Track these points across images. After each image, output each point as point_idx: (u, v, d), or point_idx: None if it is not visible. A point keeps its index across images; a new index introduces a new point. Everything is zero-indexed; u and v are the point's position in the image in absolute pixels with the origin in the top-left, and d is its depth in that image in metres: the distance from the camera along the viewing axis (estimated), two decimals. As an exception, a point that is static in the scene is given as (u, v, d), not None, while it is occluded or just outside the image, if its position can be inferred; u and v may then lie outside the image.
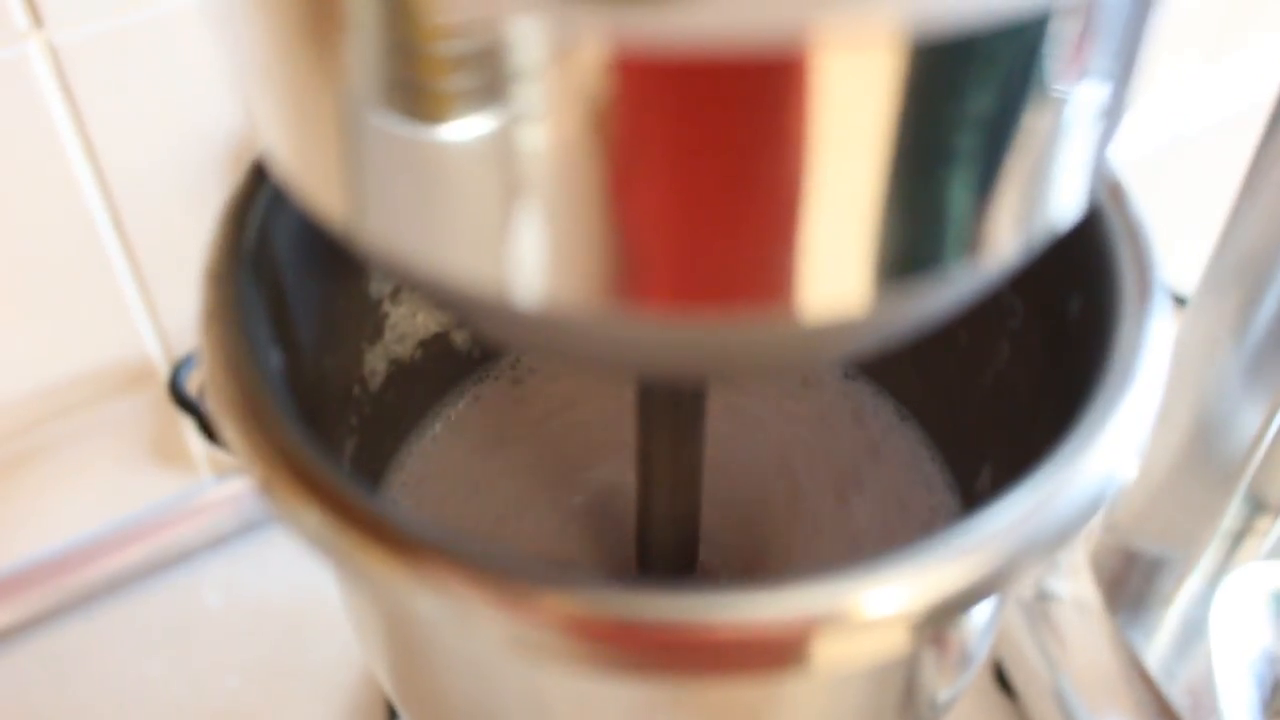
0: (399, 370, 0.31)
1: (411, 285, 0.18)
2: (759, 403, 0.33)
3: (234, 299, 0.22)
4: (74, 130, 0.38)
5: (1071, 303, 0.23)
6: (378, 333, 0.30)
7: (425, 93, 0.14)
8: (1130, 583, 0.42)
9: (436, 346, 0.32)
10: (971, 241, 0.15)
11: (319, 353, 0.27)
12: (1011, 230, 0.15)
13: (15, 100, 0.37)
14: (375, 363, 0.30)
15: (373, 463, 0.31)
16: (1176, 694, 0.40)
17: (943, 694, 0.25)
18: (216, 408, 0.21)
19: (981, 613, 0.24)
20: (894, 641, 0.18)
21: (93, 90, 0.38)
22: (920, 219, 0.15)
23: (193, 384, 0.44)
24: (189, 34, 0.38)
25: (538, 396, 0.33)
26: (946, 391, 0.30)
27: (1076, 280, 0.23)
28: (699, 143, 0.14)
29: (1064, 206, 0.16)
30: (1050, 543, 0.19)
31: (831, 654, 0.18)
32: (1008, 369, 0.27)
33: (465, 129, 0.14)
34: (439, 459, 0.32)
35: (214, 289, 0.22)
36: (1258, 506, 0.40)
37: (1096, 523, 0.44)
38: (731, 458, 0.32)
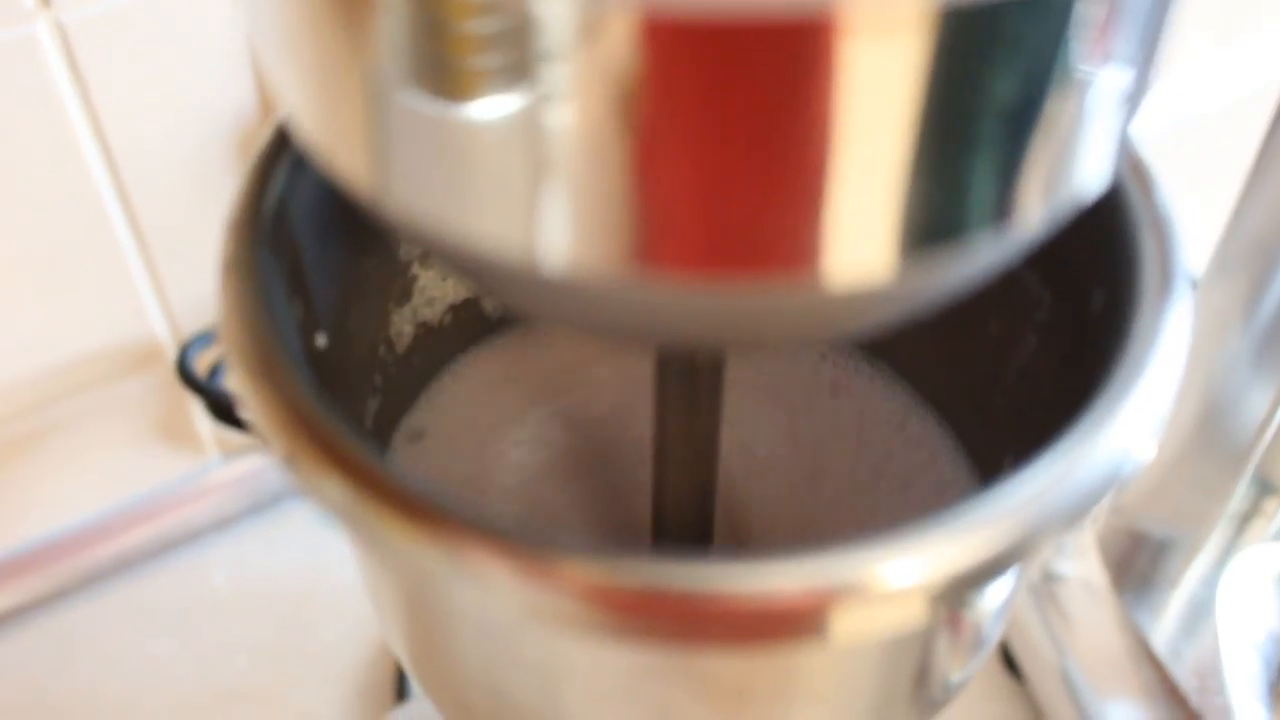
0: (427, 333, 0.31)
1: (436, 252, 0.18)
2: (780, 381, 0.33)
3: (254, 251, 0.22)
4: (82, 110, 0.38)
5: (1095, 295, 0.24)
6: (406, 295, 0.30)
7: (453, 67, 0.14)
8: (1137, 564, 0.42)
9: (466, 312, 0.32)
10: (997, 210, 0.15)
11: (343, 310, 0.27)
12: (1037, 200, 0.15)
13: (23, 80, 0.37)
14: (402, 324, 0.30)
15: (395, 423, 0.31)
16: (1183, 675, 0.40)
17: (955, 676, 0.25)
18: (230, 357, 0.21)
19: (997, 594, 0.24)
20: (912, 614, 0.18)
21: (100, 70, 0.38)
22: (946, 186, 0.15)
23: (201, 364, 0.44)
24: (196, 12, 0.38)
25: (560, 364, 0.33)
26: (972, 381, 0.30)
27: (1101, 272, 0.23)
28: (725, 109, 0.14)
29: (1089, 177, 0.16)
30: (1066, 518, 0.19)
31: (849, 625, 0.18)
32: (1034, 360, 0.27)
33: (494, 103, 0.14)
34: (458, 424, 0.32)
35: (234, 240, 0.22)
36: (1265, 488, 0.40)
37: (1104, 504, 0.44)
38: (750, 433, 0.32)
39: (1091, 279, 0.24)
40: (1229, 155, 0.43)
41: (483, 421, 0.32)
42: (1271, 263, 0.34)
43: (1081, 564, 0.43)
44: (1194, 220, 0.43)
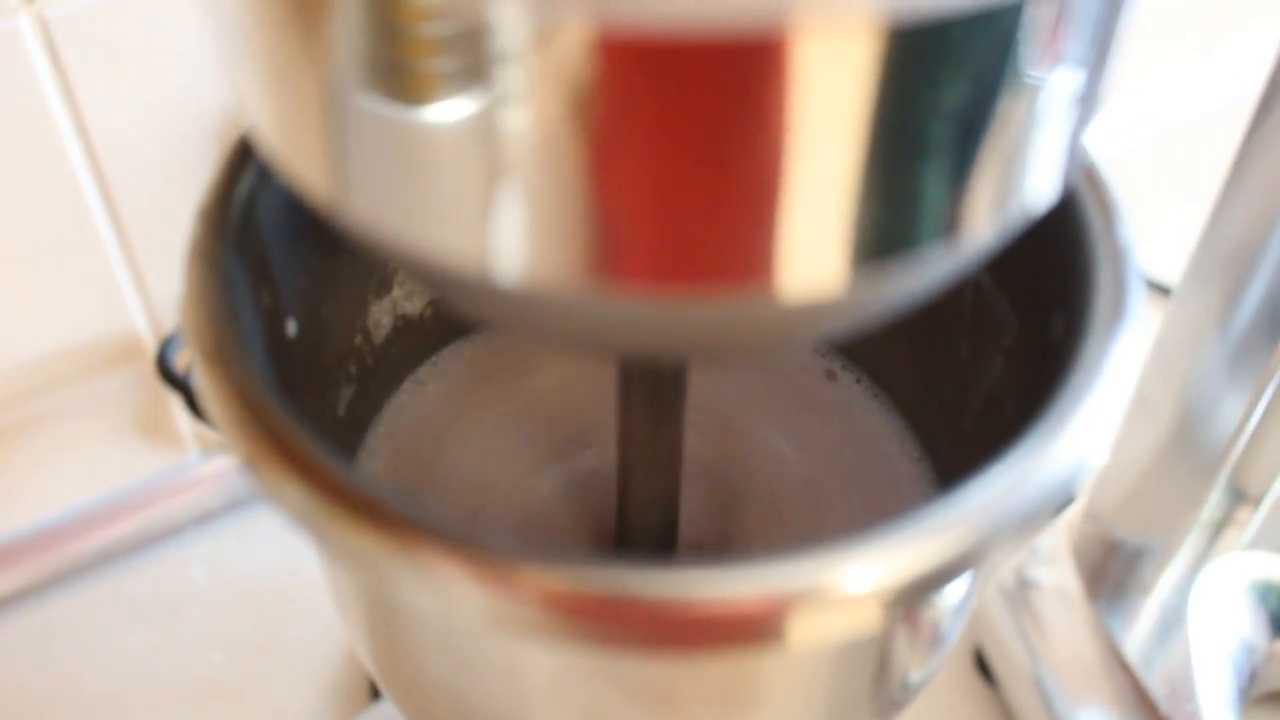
0: (407, 326, 0.31)
1: (395, 262, 0.18)
2: (743, 388, 0.33)
3: (221, 238, 0.22)
4: (64, 105, 0.38)
5: (1056, 320, 0.24)
6: (385, 287, 0.30)
7: (408, 73, 0.14)
8: (1111, 572, 0.43)
9: (448, 306, 0.32)
10: (947, 224, 0.15)
11: (316, 299, 0.27)
12: (986, 213, 0.16)
13: (6, 74, 0.37)
14: (380, 315, 0.30)
15: (368, 414, 0.31)
16: (1155, 682, 0.40)
17: (915, 675, 0.25)
18: (188, 342, 0.21)
19: (953, 594, 0.24)
20: (867, 618, 0.18)
21: (83, 64, 0.38)
22: (895, 201, 0.15)
23: (181, 360, 0.44)
24: (178, 8, 0.38)
25: (531, 367, 0.33)
26: (941, 401, 0.30)
27: (1061, 299, 0.24)
28: (678, 124, 0.14)
29: (1037, 191, 0.16)
30: (1016, 527, 0.19)
31: (806, 630, 0.18)
32: (1000, 383, 0.28)
33: (448, 110, 0.14)
34: (428, 425, 0.32)
35: (203, 227, 0.22)
36: (1238, 497, 0.40)
37: (1078, 512, 0.44)
38: (714, 442, 0.32)
39: (1053, 305, 0.24)
40: (1209, 165, 0.44)
41: (452, 425, 0.32)
42: (1246, 271, 0.34)
43: (1055, 571, 0.43)
44: (1172, 229, 0.44)
